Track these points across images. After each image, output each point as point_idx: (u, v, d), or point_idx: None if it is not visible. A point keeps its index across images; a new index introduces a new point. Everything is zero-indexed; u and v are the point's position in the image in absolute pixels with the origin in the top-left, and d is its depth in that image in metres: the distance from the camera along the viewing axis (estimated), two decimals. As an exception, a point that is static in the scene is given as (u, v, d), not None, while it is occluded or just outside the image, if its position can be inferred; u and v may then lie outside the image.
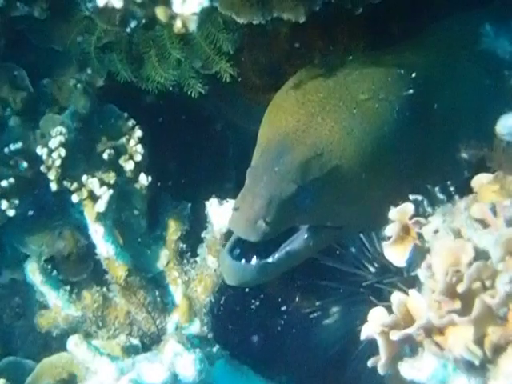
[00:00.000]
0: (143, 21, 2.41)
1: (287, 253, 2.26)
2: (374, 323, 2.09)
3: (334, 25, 2.55)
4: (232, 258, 2.17)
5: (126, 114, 2.65)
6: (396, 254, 2.36)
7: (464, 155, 2.13)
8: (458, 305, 1.94)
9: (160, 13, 1.67)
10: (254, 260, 2.19)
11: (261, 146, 2.29)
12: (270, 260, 2.20)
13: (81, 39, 2.58)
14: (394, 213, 2.36)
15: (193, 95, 2.54)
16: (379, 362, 2.06)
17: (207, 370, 2.29)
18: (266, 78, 2.65)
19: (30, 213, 2.63)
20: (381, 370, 2.05)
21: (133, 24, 2.41)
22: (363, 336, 2.14)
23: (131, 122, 2.61)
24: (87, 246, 2.70)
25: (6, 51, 2.61)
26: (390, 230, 2.36)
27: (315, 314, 3.10)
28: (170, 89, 2.59)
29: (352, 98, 2.26)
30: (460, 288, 1.96)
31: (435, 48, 2.53)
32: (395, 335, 1.99)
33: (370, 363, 2.14)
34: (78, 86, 2.52)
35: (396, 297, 2.07)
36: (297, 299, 2.96)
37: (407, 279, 3.17)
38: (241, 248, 2.21)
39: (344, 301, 3.21)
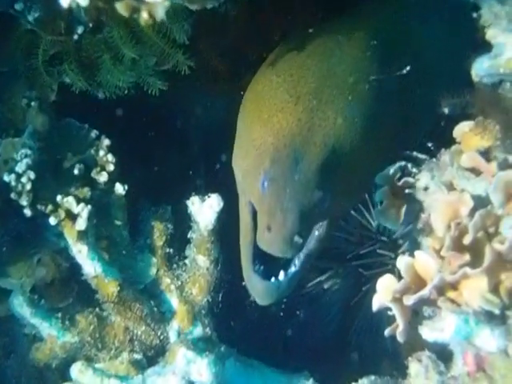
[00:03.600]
0: (90, 25, 2.31)
1: (307, 256, 2.24)
2: (385, 291, 2.04)
3: (290, 2, 2.46)
4: (259, 277, 2.15)
5: (86, 126, 2.54)
6: (390, 218, 2.33)
7: (446, 109, 2.09)
8: (467, 257, 1.90)
9: (122, 7, 1.57)
10: (282, 274, 2.17)
11: (259, 149, 2.19)
12: (294, 269, 2.19)
13: (26, 55, 2.45)
14: (381, 177, 2.32)
15: (153, 93, 2.43)
16: (397, 330, 2.01)
17: (222, 372, 2.21)
18: (227, 63, 2.56)
19: (4, 245, 2.49)
20: (400, 338, 2.00)
21: (79, 30, 2.31)
22: (375, 306, 2.09)
23: (94, 133, 2.50)
24: (69, 268, 2.58)
25: None
26: (381, 195, 2.32)
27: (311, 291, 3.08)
28: (126, 92, 2.49)
29: (342, 83, 2.21)
30: (466, 240, 1.92)
31: (391, 8, 2.48)
32: (409, 299, 1.94)
33: (386, 333, 2.09)
34: (32, 103, 2.39)
35: (402, 260, 2.02)
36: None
37: (389, 245, 3.19)
38: (259, 261, 2.19)
39: (333, 276, 3.19)
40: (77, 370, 2.25)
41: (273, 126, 2.18)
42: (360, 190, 2.42)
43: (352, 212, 3.00)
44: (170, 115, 3.03)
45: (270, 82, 2.26)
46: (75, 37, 2.31)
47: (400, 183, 2.29)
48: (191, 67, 2.37)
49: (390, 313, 1.99)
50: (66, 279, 2.60)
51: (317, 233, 2.26)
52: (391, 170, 2.29)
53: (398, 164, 2.16)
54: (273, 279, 2.15)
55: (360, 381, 2.39)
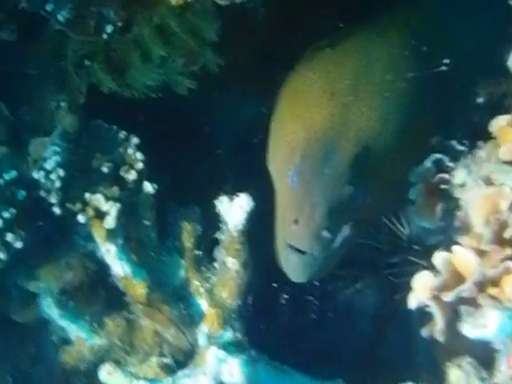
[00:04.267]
0: (119, 24, 2.30)
1: (339, 248, 2.17)
2: (423, 289, 1.98)
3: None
4: (294, 250, 2.09)
5: (115, 127, 2.52)
6: (425, 216, 2.27)
7: (482, 98, 2.04)
8: (509, 251, 1.84)
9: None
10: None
11: (291, 144, 2.16)
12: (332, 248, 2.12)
13: (55, 57, 2.45)
14: (416, 174, 2.27)
15: (181, 93, 2.41)
16: (435, 329, 1.95)
17: (253, 375, 2.14)
18: (257, 61, 2.53)
19: (33, 248, 2.47)
20: (439, 336, 1.94)
21: (109, 29, 2.30)
22: (412, 305, 2.03)
23: (122, 134, 2.48)
24: (97, 272, 2.55)
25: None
26: (415, 193, 2.27)
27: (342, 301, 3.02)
28: (154, 93, 2.47)
29: (379, 80, 2.18)
30: (507, 234, 1.86)
31: (427, 4, 2.45)
32: (448, 296, 1.88)
33: (424, 333, 2.03)
34: (62, 104, 2.38)
35: (440, 256, 1.96)
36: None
37: (422, 254, 3.12)
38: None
39: (364, 286, 3.13)
40: (105, 371, 2.21)
41: (305, 121, 2.14)
42: (394, 192, 2.35)
43: (383, 219, 2.96)
44: (198, 120, 3.01)
45: (304, 79, 2.24)
46: (104, 36, 2.30)
47: (435, 180, 2.24)
48: (220, 65, 2.35)
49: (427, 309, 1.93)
50: (93, 284, 2.57)
51: (346, 232, 2.18)
52: (426, 166, 2.24)
53: (433, 156, 2.11)
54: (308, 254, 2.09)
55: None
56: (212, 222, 2.56)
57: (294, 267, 2.13)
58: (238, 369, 2.12)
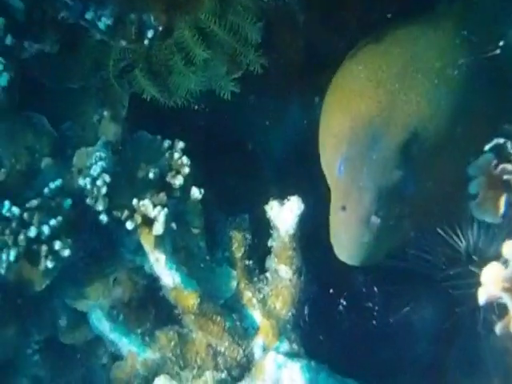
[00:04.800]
0: (160, 28, 2.27)
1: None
2: (493, 282, 1.85)
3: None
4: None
5: (159, 137, 2.47)
6: (488, 211, 2.15)
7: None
8: None
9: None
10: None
11: (337, 136, 2.11)
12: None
13: (96, 68, 2.42)
14: (475, 167, 2.16)
15: (226, 98, 2.34)
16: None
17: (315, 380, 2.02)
18: (303, 59, 2.47)
19: (80, 263, 2.42)
20: (516, 331, 1.80)
21: (150, 34, 2.26)
22: (482, 300, 1.89)
23: (167, 143, 2.43)
24: (146, 286, 2.48)
25: (21, 99, 2.44)
26: (476, 187, 2.16)
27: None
28: (195, 107, 2.42)
29: (428, 67, 2.11)
30: None
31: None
32: (524, 286, 1.75)
33: (498, 329, 1.89)
34: (105, 113, 2.35)
35: (509, 246, 1.84)
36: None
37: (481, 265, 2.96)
38: None
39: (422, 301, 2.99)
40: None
41: (351, 111, 2.10)
42: (449, 185, 2.24)
43: (437, 229, 2.84)
44: (241, 140, 2.95)
45: (350, 72, 2.20)
46: (146, 42, 2.27)
47: (497, 171, 2.13)
48: (264, 66, 2.29)
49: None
50: (143, 300, 2.50)
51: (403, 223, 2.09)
52: (486, 157, 2.13)
53: (494, 141, 2.00)
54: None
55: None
56: (262, 229, 2.48)
57: (345, 245, 2.02)
58: (300, 374, 2.00)
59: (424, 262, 2.96)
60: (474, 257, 2.95)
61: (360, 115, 2.06)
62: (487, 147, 2.06)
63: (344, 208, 1.97)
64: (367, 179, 1.96)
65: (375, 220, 1.94)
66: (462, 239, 2.93)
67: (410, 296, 2.88)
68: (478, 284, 2.91)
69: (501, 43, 2.11)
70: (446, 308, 2.90)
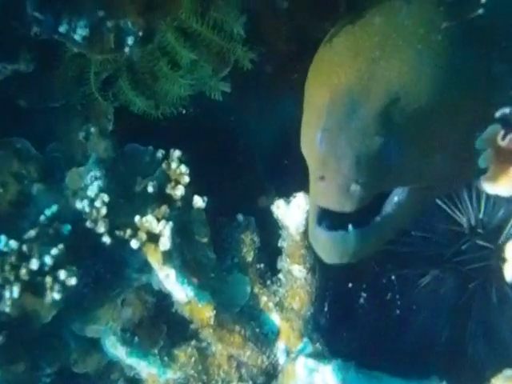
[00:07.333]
0: (140, 34, 2.15)
1: (384, 221, 1.98)
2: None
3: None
4: (323, 229, 1.89)
5: (151, 147, 2.36)
6: (500, 185, 2.08)
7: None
8: None
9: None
10: (350, 228, 1.89)
11: (318, 109, 2.02)
12: (367, 228, 1.93)
13: (76, 83, 2.30)
14: (482, 140, 2.08)
15: (216, 98, 2.24)
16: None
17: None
18: (294, 46, 2.37)
19: (85, 289, 2.31)
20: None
21: (130, 41, 2.15)
22: (509, 276, 1.84)
23: (160, 153, 2.32)
24: (156, 304, 2.38)
25: (1, 125, 2.32)
26: (485, 160, 2.07)
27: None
28: (183, 111, 2.32)
29: (411, 34, 2.03)
30: None
31: None
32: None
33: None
34: (92, 129, 2.23)
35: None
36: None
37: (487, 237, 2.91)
38: (326, 222, 1.93)
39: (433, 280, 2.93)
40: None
41: (331, 83, 2.02)
42: (440, 153, 2.13)
43: (438, 201, 2.77)
44: (233, 136, 2.86)
45: (331, 46, 2.12)
46: (126, 50, 2.16)
47: (505, 142, 2.05)
48: (253, 61, 2.19)
49: None
50: (154, 319, 2.40)
51: (396, 198, 2.00)
52: (493, 128, 2.04)
53: (500, 111, 1.91)
54: (339, 232, 1.88)
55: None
56: (263, 230, 2.40)
57: (323, 246, 1.93)
58: (333, 376, 1.92)
59: (429, 242, 2.90)
60: (478, 230, 2.90)
61: (339, 85, 1.98)
62: (494, 122, 1.97)
63: (323, 178, 1.88)
64: (345, 147, 1.88)
65: (355, 187, 1.85)
66: (463, 212, 2.87)
67: (424, 277, 2.83)
68: (490, 257, 2.87)
69: (483, 1, 2.02)
70: (460, 284, 2.85)
